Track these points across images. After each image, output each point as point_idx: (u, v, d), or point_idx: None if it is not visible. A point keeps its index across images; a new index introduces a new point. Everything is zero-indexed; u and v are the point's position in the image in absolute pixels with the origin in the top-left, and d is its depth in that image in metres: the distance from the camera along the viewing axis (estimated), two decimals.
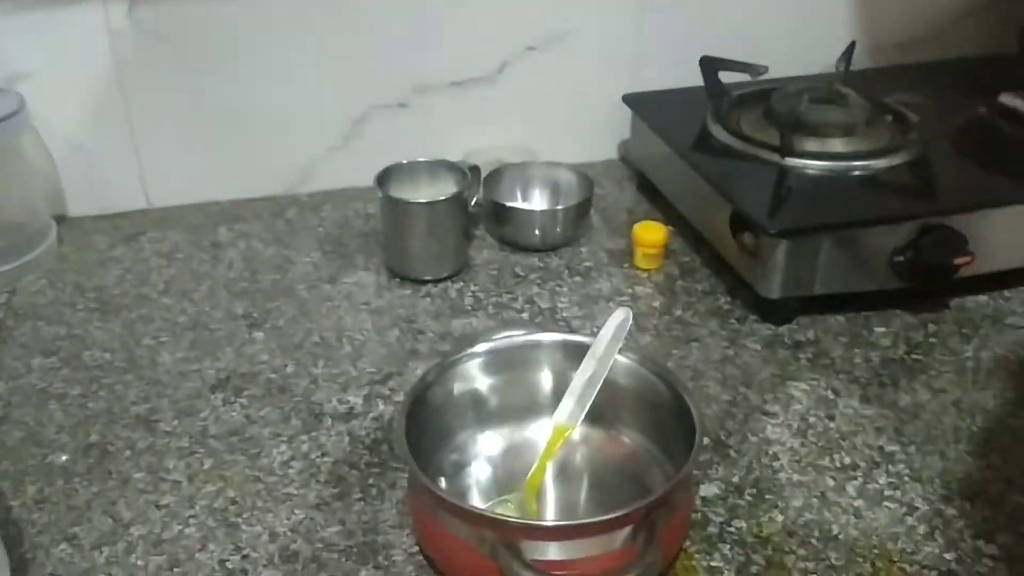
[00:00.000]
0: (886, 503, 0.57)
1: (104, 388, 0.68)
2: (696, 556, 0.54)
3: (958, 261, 0.70)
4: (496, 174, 0.87)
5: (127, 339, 0.73)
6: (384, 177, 0.80)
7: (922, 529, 0.56)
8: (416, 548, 0.54)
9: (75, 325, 0.75)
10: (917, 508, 0.57)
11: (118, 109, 0.87)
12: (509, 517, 0.47)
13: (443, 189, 0.80)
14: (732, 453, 0.62)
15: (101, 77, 0.85)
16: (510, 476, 0.57)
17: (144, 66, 0.85)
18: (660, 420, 0.56)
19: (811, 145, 0.80)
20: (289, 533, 0.56)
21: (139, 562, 0.54)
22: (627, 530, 0.47)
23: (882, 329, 0.73)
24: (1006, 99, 0.87)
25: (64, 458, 0.61)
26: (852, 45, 0.91)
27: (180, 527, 0.56)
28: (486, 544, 0.47)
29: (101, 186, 0.90)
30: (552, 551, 0.47)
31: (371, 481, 0.60)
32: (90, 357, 0.71)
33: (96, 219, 0.90)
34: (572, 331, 0.71)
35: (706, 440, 0.62)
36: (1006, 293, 0.76)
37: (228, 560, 0.54)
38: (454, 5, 0.89)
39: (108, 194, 0.90)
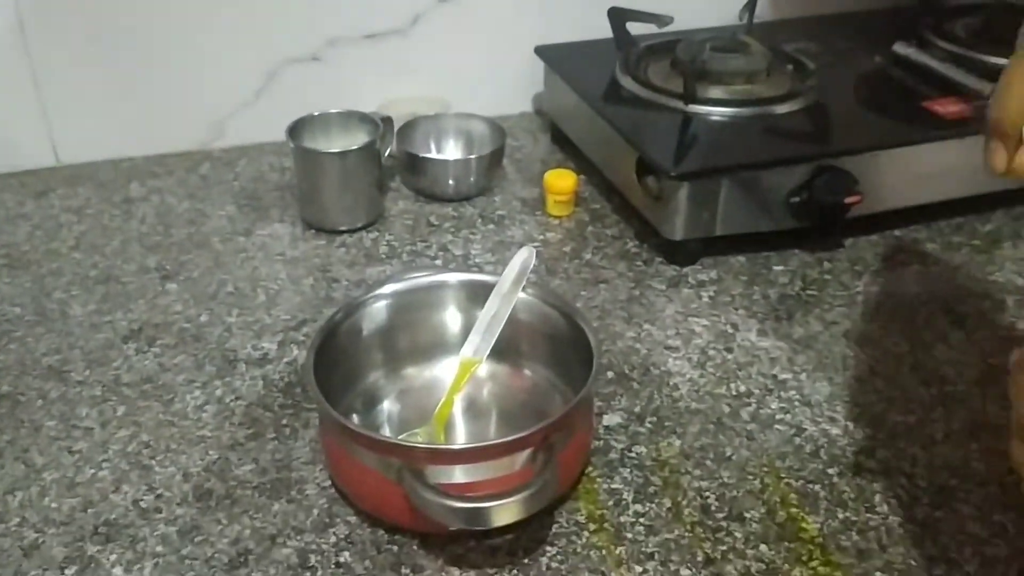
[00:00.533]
0: (777, 426, 0.61)
1: (15, 341, 0.68)
2: (598, 480, 0.57)
3: (848, 200, 0.74)
4: (410, 125, 0.88)
5: (37, 293, 0.73)
6: (296, 129, 0.80)
7: (808, 448, 0.59)
8: (328, 482, 0.56)
9: None
10: (805, 430, 0.60)
11: (22, 63, 0.85)
12: (413, 443, 0.49)
13: (356, 140, 0.81)
14: (635, 385, 0.64)
15: (4, 33, 0.84)
16: (420, 412, 0.58)
17: (48, 18, 0.84)
18: (562, 352, 0.59)
19: (714, 92, 0.83)
20: (203, 473, 0.57)
21: (53, 504, 0.55)
22: (527, 452, 0.50)
23: (780, 267, 0.77)
24: (899, 48, 0.91)
25: None
26: None
27: (93, 471, 0.57)
28: (392, 470, 0.49)
29: (7, 143, 0.88)
30: (456, 474, 0.49)
31: (284, 422, 0.61)
32: None
33: (3, 177, 0.88)
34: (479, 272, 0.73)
35: (610, 373, 0.65)
36: (896, 232, 0.80)
37: (142, 500, 0.55)
38: None
39: (15, 152, 0.89)
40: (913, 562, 0.52)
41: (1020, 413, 0.44)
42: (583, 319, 0.57)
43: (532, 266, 0.59)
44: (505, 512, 0.47)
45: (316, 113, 0.82)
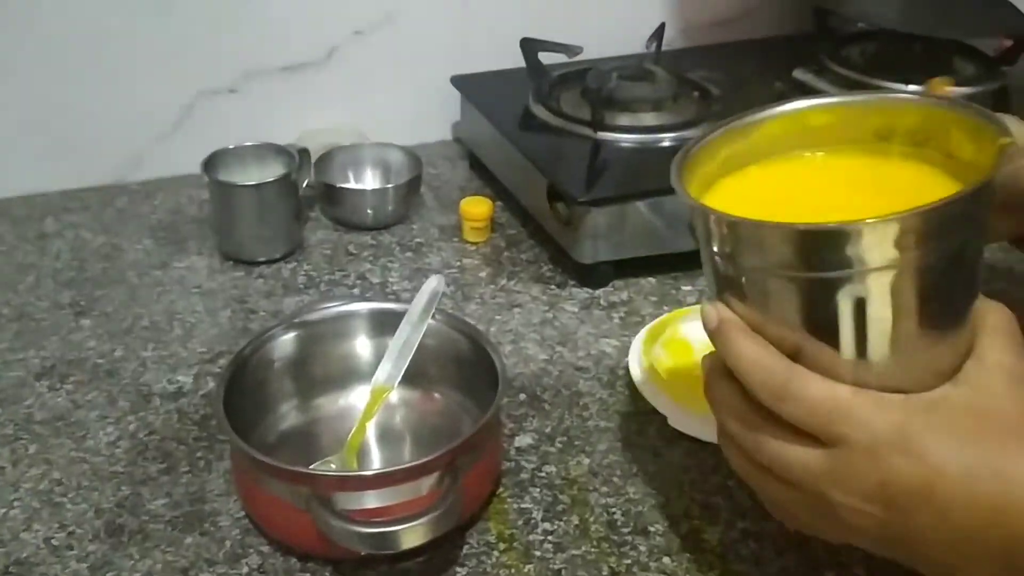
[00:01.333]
0: (683, 442, 0.63)
1: None
2: (508, 500, 0.58)
3: None
4: (327, 156, 0.89)
5: None
6: (211, 162, 0.81)
7: (711, 462, 0.61)
8: (241, 513, 0.57)
9: None
10: (707, 445, 0.63)
11: None
12: (319, 471, 0.50)
13: (272, 172, 0.82)
14: (546, 406, 0.66)
15: None
16: (333, 441, 0.59)
17: None
18: (472, 376, 0.60)
19: (623, 120, 0.85)
20: (115, 508, 0.57)
21: None
22: (434, 476, 0.51)
23: (688, 287, 0.79)
24: (799, 74, 0.95)
25: None
26: (662, 26, 0.97)
27: (4, 510, 0.57)
28: (301, 499, 0.50)
29: None
30: (366, 500, 0.50)
31: (199, 455, 0.61)
32: None
33: None
34: (389, 300, 0.74)
35: (522, 396, 0.67)
36: None
37: (53, 537, 0.55)
38: None
39: None
40: (804, 566, 0.54)
41: (720, 421, 0.46)
42: (489, 343, 0.59)
43: (442, 293, 0.61)
44: (412, 535, 0.48)
45: (231, 146, 0.82)
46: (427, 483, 0.51)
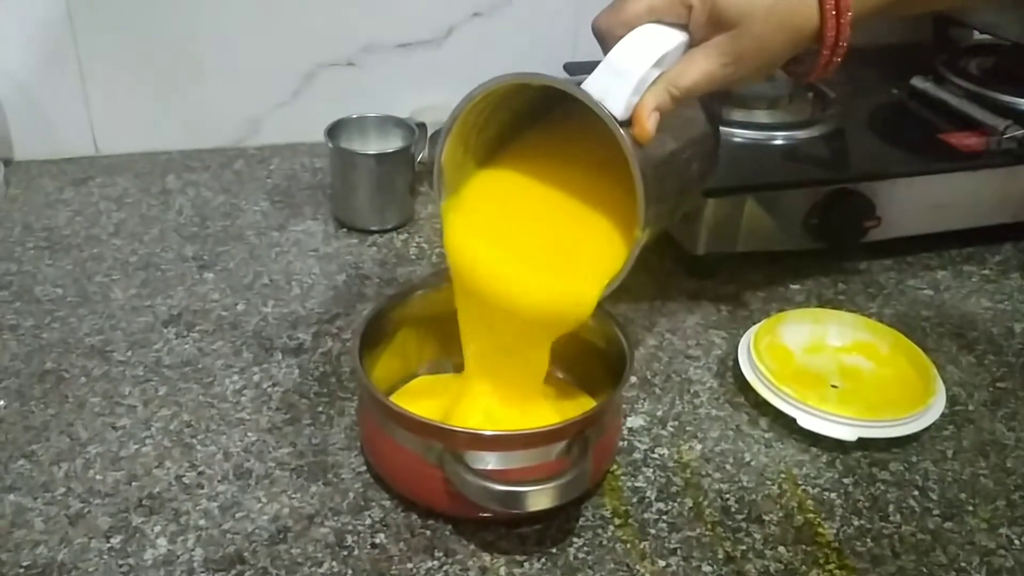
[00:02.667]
0: (794, 436, 0.63)
1: (57, 320, 0.70)
2: (622, 478, 0.59)
3: (867, 224, 0.77)
4: (440, 134, 0.90)
5: (79, 276, 0.75)
6: (334, 130, 0.83)
7: (824, 458, 0.61)
8: (363, 467, 0.58)
9: (26, 262, 0.76)
10: (821, 441, 0.63)
11: (69, 54, 0.88)
12: (456, 428, 0.51)
13: (391, 144, 0.83)
14: (657, 391, 0.67)
15: (52, 21, 0.86)
16: None
17: (97, 11, 0.87)
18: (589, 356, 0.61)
19: (737, 115, 0.85)
20: (242, 453, 0.59)
21: (98, 476, 0.57)
22: (562, 444, 0.52)
23: (797, 286, 0.79)
24: (917, 82, 0.94)
25: (2, 404, 0.63)
26: None
27: (137, 446, 0.59)
28: (433, 453, 0.51)
29: (49, 131, 0.91)
30: (492, 461, 0.51)
31: (320, 409, 0.63)
32: (42, 292, 0.73)
33: (44, 163, 0.91)
34: None
35: (633, 379, 0.67)
36: (908, 259, 0.83)
37: (184, 476, 0.57)
38: None
39: (56, 139, 0.91)
40: (924, 569, 0.54)
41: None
42: (617, 323, 0.60)
43: None
44: (541, 497, 0.49)
45: (354, 116, 0.84)
46: (556, 450, 0.52)
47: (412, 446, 0.52)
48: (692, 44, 0.56)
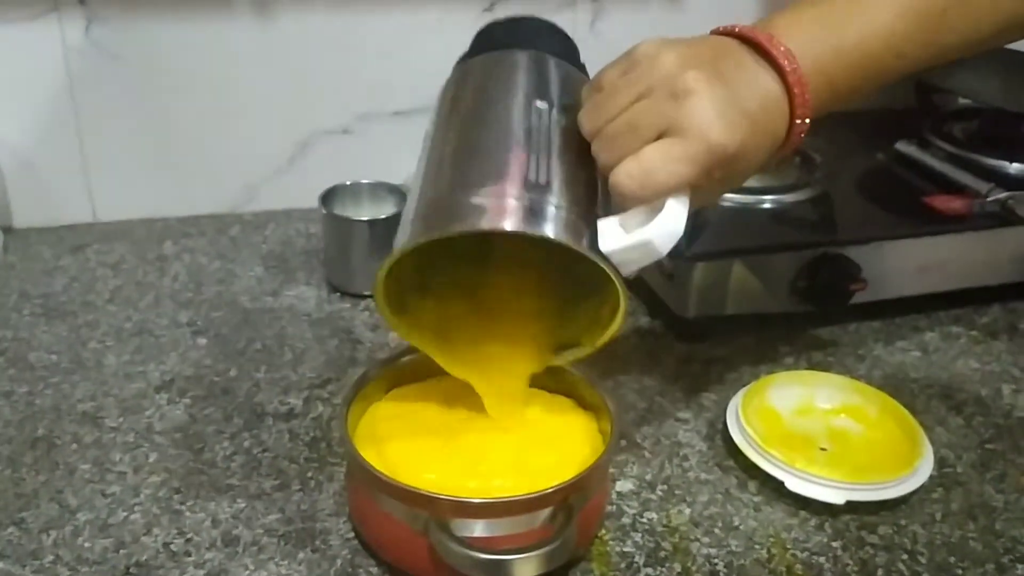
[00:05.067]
0: (783, 500, 0.63)
1: (51, 387, 0.70)
2: (610, 543, 0.59)
3: (853, 287, 0.77)
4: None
5: (73, 342, 0.76)
6: (328, 196, 0.84)
7: (813, 522, 0.61)
8: (351, 534, 0.58)
9: (21, 328, 0.77)
10: (810, 504, 0.62)
11: (69, 125, 0.90)
12: (438, 494, 0.51)
13: (384, 210, 0.85)
14: (646, 454, 0.67)
15: (54, 93, 0.88)
16: None
17: (97, 84, 0.89)
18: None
19: None
20: (231, 519, 0.59)
21: (86, 544, 0.57)
22: (547, 511, 0.52)
23: (786, 348, 0.80)
24: (901, 146, 0.96)
25: None
26: None
27: (126, 513, 0.59)
28: (419, 522, 0.51)
29: (48, 199, 0.92)
30: (478, 528, 0.51)
31: (310, 475, 0.63)
32: (36, 358, 0.74)
33: (42, 231, 0.92)
34: None
35: (623, 442, 0.68)
36: (896, 320, 0.84)
37: (172, 543, 0.57)
38: (399, 42, 0.95)
39: (55, 207, 0.93)
40: None
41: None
42: (602, 388, 0.60)
43: None
44: (526, 566, 0.49)
45: (347, 182, 0.86)
46: (541, 517, 0.52)
47: (398, 514, 0.52)
48: None
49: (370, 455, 0.54)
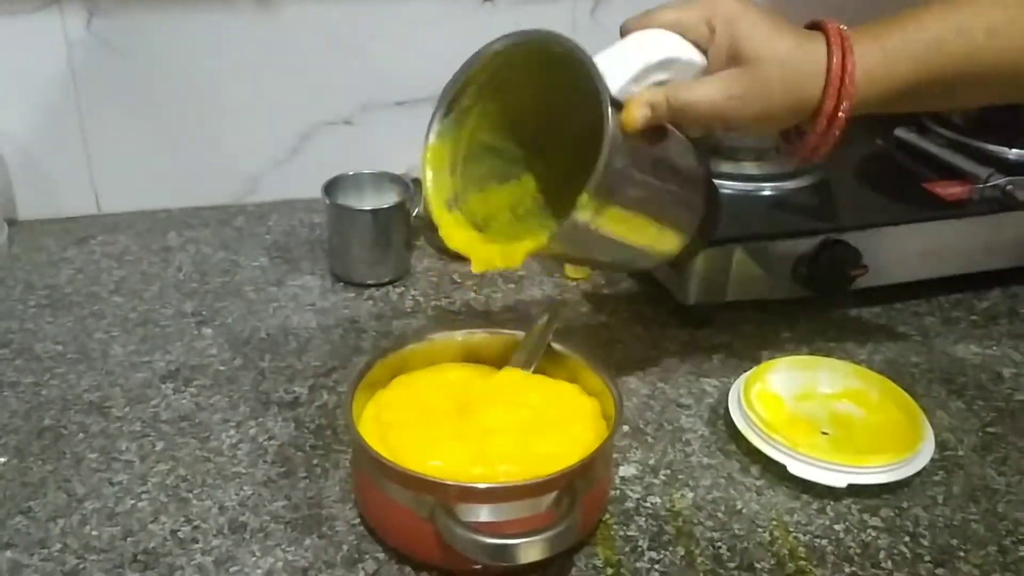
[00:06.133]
0: (785, 483, 0.63)
1: (57, 377, 0.71)
2: (614, 527, 0.59)
3: (853, 272, 0.78)
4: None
5: (79, 333, 0.76)
6: (331, 186, 0.84)
7: (815, 505, 0.62)
8: (357, 520, 0.59)
9: (27, 320, 0.78)
10: (812, 487, 0.63)
11: (72, 117, 0.90)
12: (445, 480, 0.51)
13: (387, 200, 0.85)
14: (649, 439, 0.67)
15: (57, 86, 0.89)
16: None
17: (99, 76, 0.89)
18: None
19: (726, 167, 0.87)
20: (238, 507, 0.60)
21: (93, 532, 0.57)
22: (552, 496, 0.53)
23: (788, 334, 0.80)
24: (901, 133, 0.96)
25: (2, 460, 0.63)
26: None
27: (133, 501, 0.60)
28: (424, 507, 0.52)
29: (52, 191, 0.93)
30: (483, 513, 0.52)
31: (315, 462, 0.64)
32: (42, 349, 0.74)
33: (46, 223, 0.93)
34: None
35: (625, 427, 0.68)
36: (897, 305, 0.84)
37: (179, 530, 0.58)
38: (400, 32, 0.95)
39: (59, 199, 0.93)
40: None
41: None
42: (606, 372, 0.61)
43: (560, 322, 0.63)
44: (531, 550, 0.49)
45: (350, 172, 0.86)
46: (546, 502, 0.52)
47: (403, 500, 0.53)
48: (707, 72, 0.57)
49: (375, 442, 0.55)
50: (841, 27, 0.56)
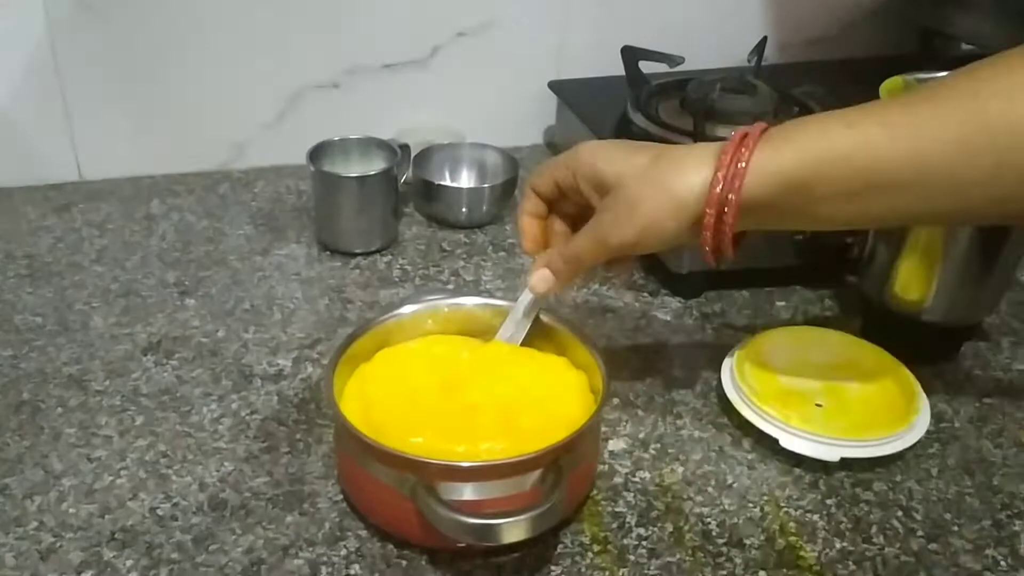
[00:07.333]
0: (777, 457, 0.62)
1: (36, 350, 0.70)
2: (602, 503, 0.58)
3: (850, 241, 0.76)
4: (425, 153, 0.90)
5: (59, 304, 0.75)
6: (316, 153, 0.82)
7: (808, 479, 0.61)
8: (340, 496, 0.58)
9: (6, 290, 0.76)
10: (804, 461, 0.62)
11: (52, 82, 0.88)
12: (428, 459, 0.50)
13: (374, 166, 0.83)
14: (639, 412, 0.66)
15: (35, 50, 0.86)
16: None
17: (79, 40, 0.87)
18: None
19: (722, 131, 0.85)
20: (218, 483, 0.58)
21: (71, 510, 0.56)
22: (537, 473, 0.51)
23: (782, 303, 0.79)
24: None
25: None
26: (764, 40, 0.97)
27: (111, 478, 0.59)
28: (406, 486, 0.51)
29: (32, 158, 0.91)
30: (466, 492, 0.51)
31: (298, 436, 0.62)
32: (21, 320, 0.73)
33: (27, 190, 0.91)
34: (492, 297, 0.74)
35: (615, 400, 0.67)
36: None
37: (159, 508, 0.57)
38: None
39: (40, 166, 0.91)
40: None
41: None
42: (594, 346, 0.59)
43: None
44: (515, 530, 0.48)
45: (336, 138, 0.84)
46: (531, 480, 0.51)
47: (385, 478, 0.51)
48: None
49: (357, 418, 0.53)
50: (755, 125, 0.52)
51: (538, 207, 0.60)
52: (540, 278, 0.58)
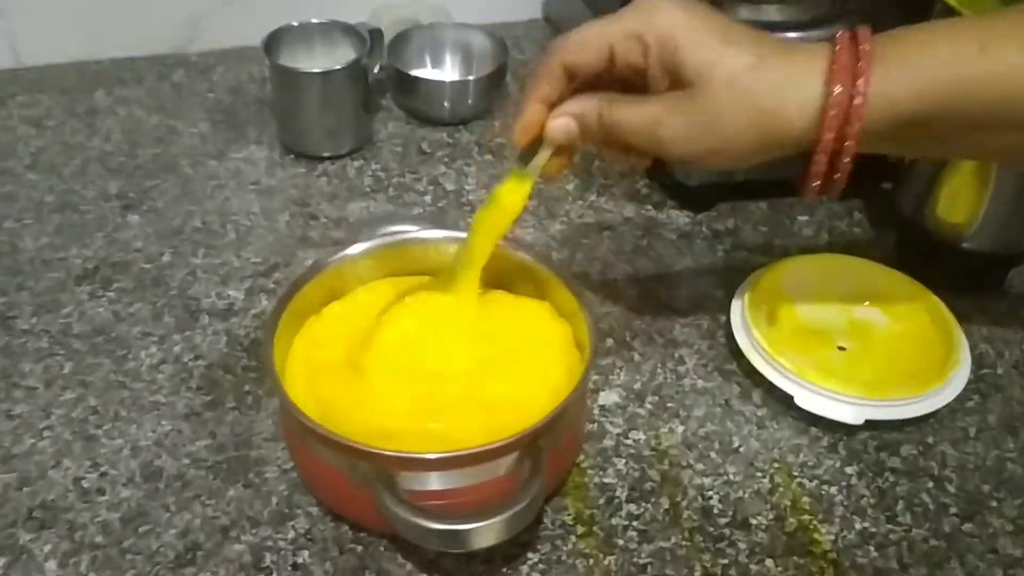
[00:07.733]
0: (791, 413, 0.55)
1: None
2: (589, 472, 0.51)
3: None
4: (402, 37, 0.79)
5: None
6: (273, 42, 0.71)
7: (825, 441, 0.53)
8: (290, 464, 0.51)
9: None
10: (822, 419, 0.54)
11: None
12: (383, 450, 0.42)
13: (340, 56, 0.72)
14: (636, 356, 0.58)
15: None
16: None
17: None
18: None
19: (743, 12, 0.73)
20: (153, 447, 0.52)
21: None
22: (512, 457, 0.44)
23: (805, 218, 0.69)
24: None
25: None
26: None
27: (33, 440, 0.52)
28: (359, 474, 0.43)
29: None
30: (432, 481, 0.43)
31: (247, 388, 0.55)
32: None
33: None
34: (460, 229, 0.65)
35: (610, 341, 0.59)
36: None
37: (84, 478, 0.50)
38: None
39: None
40: None
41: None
42: (578, 294, 0.50)
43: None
44: (488, 534, 0.41)
45: (295, 23, 0.73)
46: (504, 465, 0.44)
47: (336, 463, 0.44)
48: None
49: (303, 391, 0.46)
50: (859, 31, 0.42)
51: (556, 90, 0.46)
52: (561, 127, 0.46)
